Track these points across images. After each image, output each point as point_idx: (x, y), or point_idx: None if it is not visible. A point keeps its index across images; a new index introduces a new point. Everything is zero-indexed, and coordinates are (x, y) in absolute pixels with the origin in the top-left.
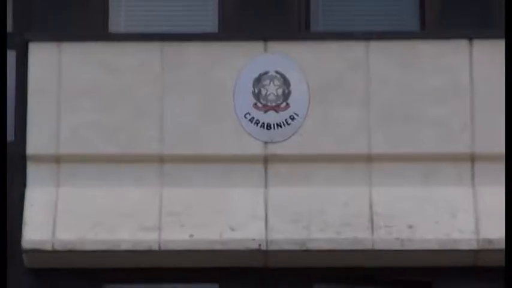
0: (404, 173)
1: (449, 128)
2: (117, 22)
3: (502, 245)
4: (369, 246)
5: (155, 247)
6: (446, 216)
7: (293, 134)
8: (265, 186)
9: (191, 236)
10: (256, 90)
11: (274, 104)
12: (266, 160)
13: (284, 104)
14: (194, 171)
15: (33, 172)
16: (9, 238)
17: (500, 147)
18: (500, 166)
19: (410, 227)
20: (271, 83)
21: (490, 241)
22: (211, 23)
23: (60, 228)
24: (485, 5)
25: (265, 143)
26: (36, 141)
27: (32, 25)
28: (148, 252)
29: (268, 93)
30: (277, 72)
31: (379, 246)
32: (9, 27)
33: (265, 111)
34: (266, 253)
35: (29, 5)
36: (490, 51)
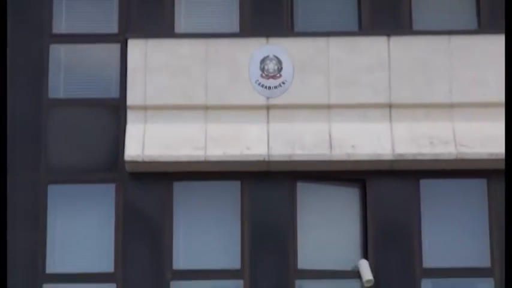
0: (349, 115)
1: (374, 89)
2: (179, 25)
3: (410, 157)
4: (329, 158)
5: (202, 159)
6: (375, 141)
7: (283, 92)
8: (267, 122)
9: (224, 152)
10: (261, 67)
11: (272, 75)
12: (268, 107)
13: (278, 74)
14: (225, 113)
15: (131, 115)
16: (120, 154)
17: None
18: (416, 110)
19: (353, 146)
20: (271, 62)
21: (401, 155)
22: (234, 26)
23: (146, 148)
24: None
25: (267, 97)
26: (132, 97)
27: (129, 27)
28: (198, 162)
29: (269, 68)
30: (274, 56)
31: (335, 158)
32: (115, 29)
33: (267, 79)
34: (268, 163)
35: (128, 13)
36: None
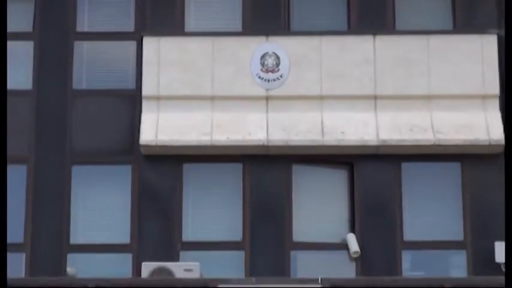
0: (339, 105)
1: (361, 83)
2: (189, 25)
3: (393, 142)
4: (321, 143)
5: (208, 143)
6: (361, 128)
7: (281, 85)
8: (267, 111)
9: (228, 137)
10: (261, 62)
11: (271, 69)
12: (267, 98)
13: (276, 68)
14: (229, 103)
15: (146, 104)
16: (135, 138)
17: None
18: (398, 101)
19: (342, 133)
20: (270, 58)
21: (384, 141)
22: (237, 26)
23: (159, 133)
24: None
25: (267, 89)
26: (147, 89)
27: (144, 27)
28: (205, 146)
29: (268, 63)
30: (273, 52)
31: (326, 143)
32: (131, 28)
33: (267, 73)
34: (267, 147)
35: (143, 14)
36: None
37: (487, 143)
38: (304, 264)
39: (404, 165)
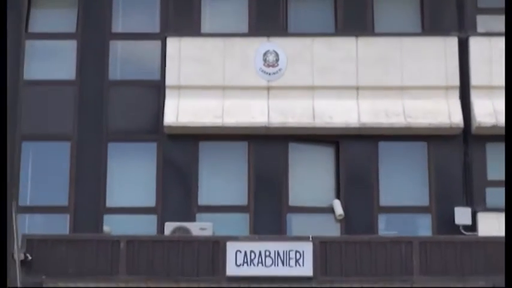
0: (327, 94)
1: (346, 76)
2: (204, 27)
3: (371, 125)
4: (312, 125)
5: (220, 125)
6: (345, 113)
7: (280, 77)
8: (268, 99)
9: (236, 120)
10: (264, 58)
11: (271, 64)
12: (268, 88)
13: (276, 64)
14: (237, 92)
15: (168, 93)
16: (160, 121)
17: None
18: (376, 91)
19: (330, 117)
20: (271, 55)
21: (364, 123)
22: (244, 28)
23: (180, 116)
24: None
25: (268, 81)
26: (170, 80)
27: (168, 28)
28: (217, 127)
29: (269, 59)
30: (273, 50)
31: (317, 125)
32: (157, 30)
33: (268, 67)
34: (268, 128)
35: (166, 18)
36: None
37: (449, 126)
38: (297, 225)
39: (381, 144)
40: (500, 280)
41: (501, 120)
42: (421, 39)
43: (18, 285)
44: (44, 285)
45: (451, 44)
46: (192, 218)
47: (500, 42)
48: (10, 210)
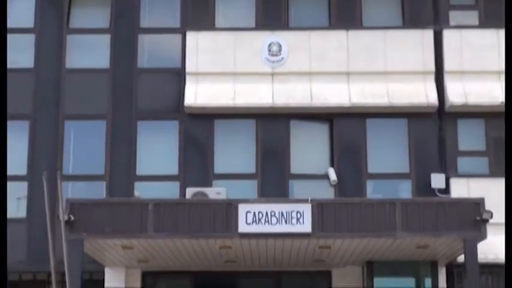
0: (323, 78)
1: (338, 63)
2: (218, 22)
3: (360, 105)
4: (310, 105)
5: (232, 105)
6: (338, 95)
7: (282, 65)
8: (272, 83)
9: (246, 101)
10: (269, 48)
11: (275, 54)
12: (272, 74)
13: (279, 53)
14: (246, 77)
15: (188, 78)
16: (181, 102)
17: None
18: (364, 76)
19: (325, 98)
20: (274, 46)
21: (354, 103)
22: (252, 23)
23: (198, 98)
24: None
25: (272, 68)
26: (189, 67)
27: (187, 24)
28: (230, 107)
29: (273, 49)
30: (276, 42)
31: (314, 105)
32: (178, 25)
33: (272, 56)
34: (273, 108)
35: (186, 14)
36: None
37: (426, 105)
38: (298, 189)
39: (368, 121)
40: (469, 235)
41: (470, 100)
42: (402, 31)
43: (64, 241)
44: (85, 241)
45: (427, 35)
46: (209, 184)
47: (469, 34)
48: (56, 179)
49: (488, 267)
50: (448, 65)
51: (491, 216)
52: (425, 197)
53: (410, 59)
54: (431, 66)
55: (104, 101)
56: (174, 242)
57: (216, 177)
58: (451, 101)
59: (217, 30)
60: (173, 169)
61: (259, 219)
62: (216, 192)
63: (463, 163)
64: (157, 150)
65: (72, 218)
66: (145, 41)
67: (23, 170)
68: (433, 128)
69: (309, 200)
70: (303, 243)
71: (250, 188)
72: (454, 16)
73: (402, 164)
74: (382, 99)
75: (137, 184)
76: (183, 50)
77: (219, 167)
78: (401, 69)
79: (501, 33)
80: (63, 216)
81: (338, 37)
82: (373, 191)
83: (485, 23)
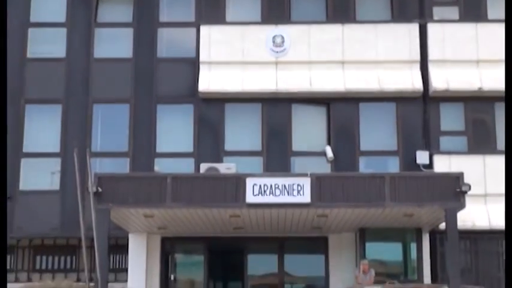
0: (321, 67)
1: (334, 53)
2: (229, 17)
3: (354, 90)
4: (309, 90)
5: (241, 90)
6: (334, 81)
7: (285, 55)
8: (276, 70)
9: (253, 87)
10: (273, 40)
11: (279, 45)
12: (276, 63)
13: (282, 44)
14: (253, 66)
15: (202, 67)
16: (196, 88)
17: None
18: (357, 64)
19: (323, 84)
20: (278, 38)
21: (348, 89)
22: (258, 18)
23: (210, 84)
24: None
25: (276, 57)
26: (203, 57)
27: (201, 18)
28: (238, 92)
29: (277, 41)
30: (280, 34)
31: (313, 90)
32: (193, 19)
33: (276, 47)
34: (276, 93)
35: (200, 10)
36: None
37: (412, 90)
38: (299, 165)
39: (361, 105)
40: (450, 204)
41: (451, 86)
42: (391, 25)
43: (92, 210)
44: (111, 210)
45: (413, 28)
46: (220, 160)
47: (450, 27)
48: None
49: (467, 233)
50: (431, 55)
51: (470, 189)
52: (411, 171)
53: (398, 49)
54: (417, 56)
55: (127, 86)
56: (190, 211)
57: (226, 154)
58: (434, 87)
59: (228, 24)
60: (188, 147)
61: (265, 191)
62: (227, 167)
63: (444, 142)
64: (175, 130)
65: (100, 190)
66: (164, 34)
67: (56, 148)
68: (418, 111)
69: (309, 174)
70: (303, 212)
71: (256, 163)
72: (437, 11)
73: (391, 143)
74: (373, 85)
75: (157, 160)
76: (197, 42)
77: (229, 145)
78: (390, 58)
79: (479, 27)
80: (92, 189)
81: (334, 30)
82: (365, 166)
83: (465, 18)
